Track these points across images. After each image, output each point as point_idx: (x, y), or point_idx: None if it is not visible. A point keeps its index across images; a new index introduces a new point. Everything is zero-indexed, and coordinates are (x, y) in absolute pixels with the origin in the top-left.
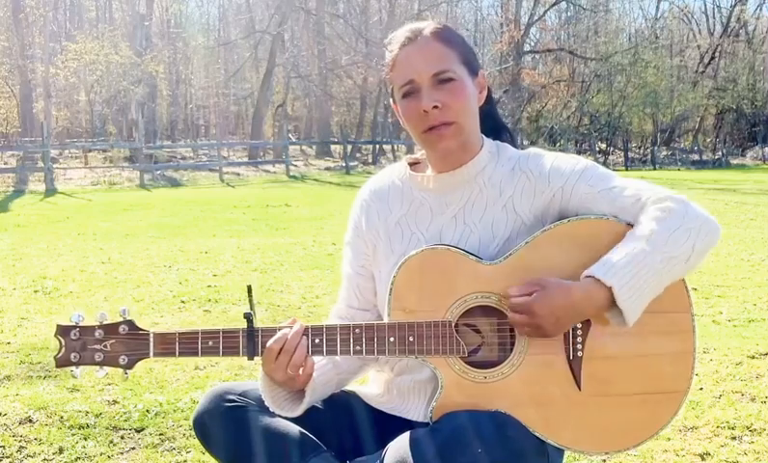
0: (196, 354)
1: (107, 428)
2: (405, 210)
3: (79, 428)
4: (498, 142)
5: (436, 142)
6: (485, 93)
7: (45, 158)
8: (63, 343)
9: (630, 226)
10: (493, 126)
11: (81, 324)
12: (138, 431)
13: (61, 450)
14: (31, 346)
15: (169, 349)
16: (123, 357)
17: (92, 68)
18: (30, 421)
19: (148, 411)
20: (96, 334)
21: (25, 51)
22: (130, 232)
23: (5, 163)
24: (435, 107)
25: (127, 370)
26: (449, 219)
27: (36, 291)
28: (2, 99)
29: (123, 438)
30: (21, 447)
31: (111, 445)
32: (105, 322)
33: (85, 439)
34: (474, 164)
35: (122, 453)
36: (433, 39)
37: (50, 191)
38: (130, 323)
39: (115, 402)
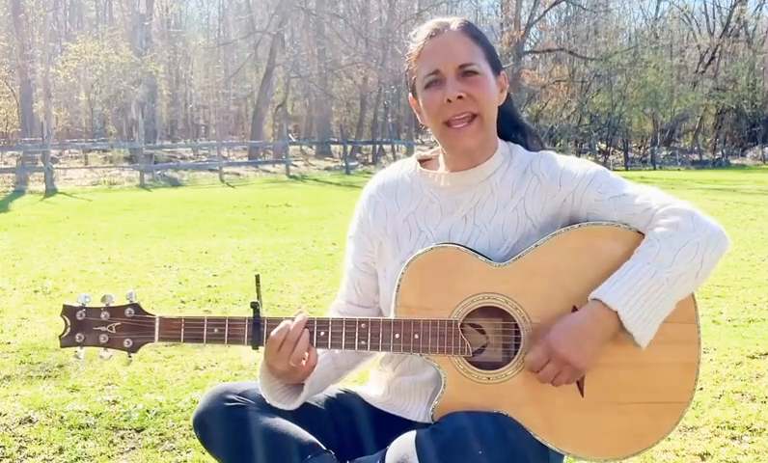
0: (201, 341)
1: (107, 428)
2: (414, 207)
3: (79, 428)
4: (511, 144)
5: (456, 139)
6: (505, 93)
7: (45, 158)
8: (68, 324)
9: (639, 233)
10: (512, 125)
11: (87, 305)
12: (138, 431)
13: (61, 450)
14: (31, 346)
15: (174, 334)
16: (128, 340)
17: (92, 68)
18: (30, 421)
19: (148, 411)
20: (102, 315)
21: (25, 51)
22: (130, 232)
23: (5, 163)
24: (460, 97)
25: (131, 354)
26: (458, 219)
27: (36, 291)
28: (2, 99)
29: (123, 438)
30: (21, 447)
31: (111, 445)
32: (111, 305)
33: (85, 439)
34: (487, 166)
35: (122, 453)
36: (461, 32)
37: (50, 191)
38: (136, 307)
39: (115, 402)
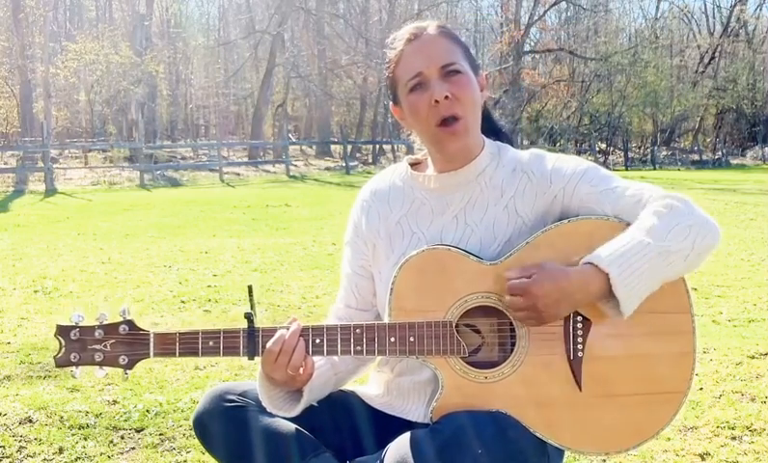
0: (196, 354)
1: (107, 428)
2: (406, 210)
3: (79, 428)
4: (498, 143)
5: (448, 141)
6: (486, 92)
7: (45, 158)
8: (63, 344)
9: None
10: (490, 128)
11: (81, 324)
12: (138, 431)
13: (61, 450)
14: (31, 346)
15: (169, 349)
16: (123, 357)
17: (92, 68)
18: (30, 421)
19: (148, 411)
20: (96, 334)
21: (25, 51)
22: (130, 232)
23: (5, 163)
24: (446, 97)
25: (127, 370)
26: (450, 219)
27: (36, 291)
28: (2, 99)
29: (123, 438)
30: (21, 447)
31: (111, 445)
32: (105, 322)
33: (85, 439)
34: (475, 164)
35: (122, 453)
36: (438, 34)
37: (50, 191)
38: (130, 323)
39: (115, 402)
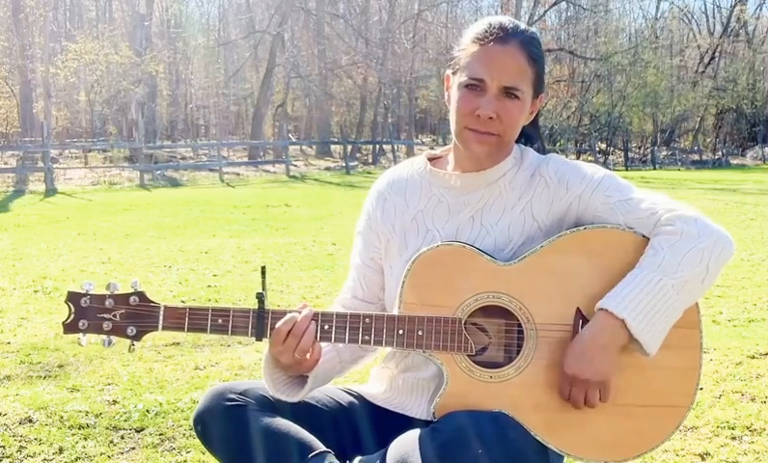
0: (205, 331)
1: (107, 428)
2: (423, 206)
3: (79, 428)
4: (522, 146)
5: (471, 142)
6: (535, 114)
7: (45, 158)
8: (72, 310)
9: (644, 237)
10: (528, 135)
11: (92, 292)
12: (138, 431)
13: (61, 450)
14: (31, 346)
15: (178, 323)
16: (131, 328)
17: (92, 68)
18: (30, 421)
19: (148, 411)
20: (107, 303)
21: (25, 51)
22: (130, 232)
23: (5, 163)
24: (490, 118)
25: (135, 342)
26: (466, 219)
27: (36, 291)
28: (2, 99)
29: (123, 438)
30: (21, 447)
31: (111, 445)
32: (116, 292)
33: (85, 439)
34: (498, 168)
35: (122, 453)
36: (521, 50)
37: (50, 191)
38: (141, 295)
39: (115, 402)
